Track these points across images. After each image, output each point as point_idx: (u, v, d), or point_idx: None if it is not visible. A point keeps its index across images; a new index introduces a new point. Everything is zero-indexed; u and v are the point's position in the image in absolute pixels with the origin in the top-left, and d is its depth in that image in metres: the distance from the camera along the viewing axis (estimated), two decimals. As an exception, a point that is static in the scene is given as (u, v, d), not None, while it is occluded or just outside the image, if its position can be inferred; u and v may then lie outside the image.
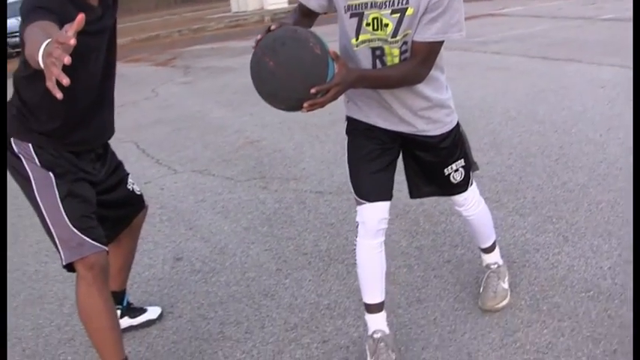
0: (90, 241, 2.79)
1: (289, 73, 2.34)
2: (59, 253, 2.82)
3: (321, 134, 6.57)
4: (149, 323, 3.62)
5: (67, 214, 2.77)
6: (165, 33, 19.41)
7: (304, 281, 3.85)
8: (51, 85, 1.93)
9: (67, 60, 1.89)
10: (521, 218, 4.23)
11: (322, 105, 2.41)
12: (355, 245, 2.94)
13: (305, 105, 2.37)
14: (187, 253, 4.42)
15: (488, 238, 3.34)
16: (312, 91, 2.34)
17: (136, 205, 3.31)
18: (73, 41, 1.92)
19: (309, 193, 5.11)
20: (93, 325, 2.89)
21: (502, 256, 3.64)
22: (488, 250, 3.38)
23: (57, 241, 2.80)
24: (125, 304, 3.57)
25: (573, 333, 3.05)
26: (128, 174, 3.27)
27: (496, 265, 3.40)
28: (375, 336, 2.98)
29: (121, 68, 11.22)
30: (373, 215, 2.84)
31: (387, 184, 2.87)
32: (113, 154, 3.19)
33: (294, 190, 5.23)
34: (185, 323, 3.61)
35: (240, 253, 4.31)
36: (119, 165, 3.22)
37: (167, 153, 6.74)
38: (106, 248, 2.85)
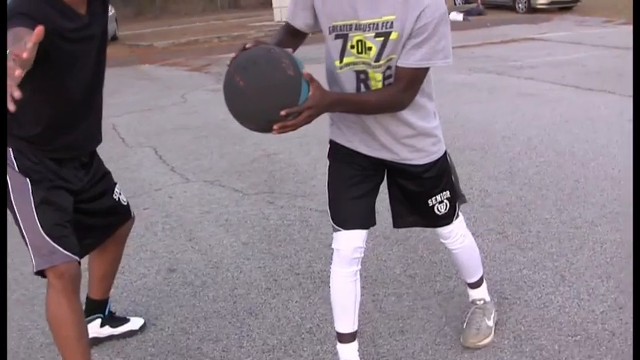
0: (61, 250, 2.76)
1: (259, 93, 2.28)
2: (31, 259, 2.79)
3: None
4: (130, 334, 3.59)
5: (40, 222, 2.75)
6: (204, 38, 19.50)
7: (291, 302, 3.78)
8: (8, 97, 1.89)
9: (18, 74, 1.86)
10: (521, 253, 4.12)
11: (294, 128, 2.35)
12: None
13: (275, 127, 2.31)
14: (182, 265, 4.38)
15: (474, 273, 3.25)
16: (282, 113, 2.27)
17: (121, 215, 3.28)
18: (26, 55, 1.89)
19: (314, 212, 5.05)
20: (60, 334, 2.86)
21: (494, 291, 3.57)
22: (474, 285, 3.29)
23: (29, 248, 2.79)
24: (107, 312, 3.54)
25: (553, 379, 2.94)
26: (115, 184, 3.24)
27: (482, 302, 3.31)
28: (345, 366, 2.91)
29: (157, 71, 11.35)
30: (348, 243, 2.77)
31: (364, 212, 2.80)
32: (100, 163, 3.16)
33: (299, 207, 5.17)
34: (166, 337, 3.56)
35: (233, 269, 4.26)
36: (105, 174, 3.19)
37: (183, 161, 6.73)
38: (77, 258, 2.82)
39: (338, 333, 2.93)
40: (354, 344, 2.94)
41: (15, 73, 1.85)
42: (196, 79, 12.10)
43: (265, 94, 2.27)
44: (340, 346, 2.94)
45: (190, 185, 5.99)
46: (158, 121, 8.44)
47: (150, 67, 13.24)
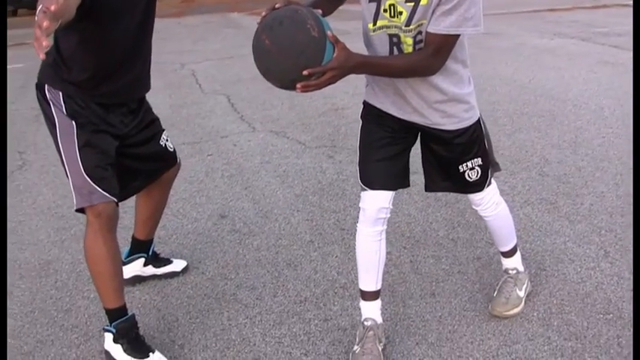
0: (100, 190, 2.88)
1: (283, 52, 2.32)
2: (73, 197, 2.92)
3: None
4: (172, 275, 3.73)
5: (82, 163, 2.88)
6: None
7: (331, 256, 3.84)
8: (36, 44, 1.99)
9: (46, 25, 1.95)
10: (569, 225, 4.06)
11: (318, 87, 2.39)
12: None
13: (298, 86, 2.35)
14: (233, 212, 4.48)
15: (507, 242, 3.23)
16: (305, 72, 2.31)
17: (167, 160, 3.38)
18: (54, 7, 1.98)
19: (371, 169, 5.06)
20: (95, 269, 3.00)
21: (533, 262, 3.56)
22: (507, 254, 3.27)
23: (72, 186, 2.93)
24: (151, 253, 3.67)
25: (574, 355, 2.93)
26: (163, 130, 3.33)
27: (515, 271, 3.29)
28: (366, 324, 2.96)
29: (244, 20, 11.44)
30: (373, 203, 2.80)
31: (391, 173, 2.81)
32: (149, 109, 3.26)
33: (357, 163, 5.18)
34: (205, 280, 3.68)
35: (281, 220, 4.34)
36: (154, 120, 3.29)
37: (253, 110, 6.82)
38: (115, 200, 2.94)
39: (361, 290, 2.98)
40: (377, 302, 2.97)
41: (43, 24, 1.94)
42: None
43: (288, 54, 2.31)
44: (363, 304, 2.99)
45: (256, 134, 6.08)
46: (236, 69, 8.55)
47: (238, 16, 13.34)
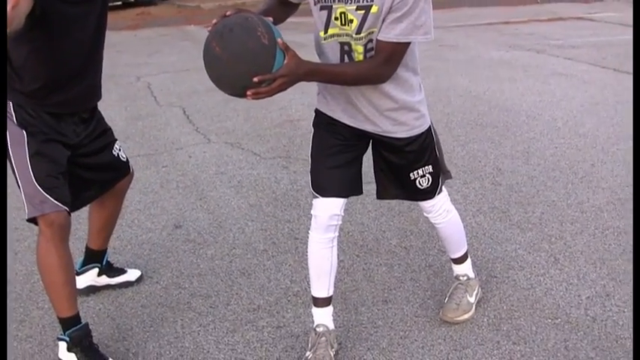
0: (52, 200, 2.88)
1: (233, 60, 2.35)
2: (24, 207, 2.91)
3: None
4: (126, 284, 3.72)
5: (33, 172, 2.88)
6: (252, 2, 19.35)
7: (284, 265, 3.87)
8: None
9: None
10: (520, 233, 4.14)
11: (268, 94, 2.42)
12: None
13: (248, 93, 2.38)
14: (188, 223, 4.48)
15: (457, 248, 3.29)
16: (255, 79, 2.34)
17: (120, 170, 3.38)
18: None
19: (326, 179, 5.10)
20: (48, 279, 3.00)
21: (484, 269, 3.61)
22: (458, 261, 3.33)
23: (23, 196, 2.91)
24: (105, 263, 3.65)
25: (523, 359, 2.98)
26: (115, 140, 3.34)
27: (465, 278, 3.35)
28: (318, 330, 2.99)
29: (201, 33, 11.37)
30: (325, 210, 2.83)
31: (343, 181, 2.85)
32: (101, 119, 3.25)
33: (312, 173, 5.22)
34: (159, 290, 3.68)
35: (235, 229, 4.35)
36: (106, 130, 3.29)
37: (209, 122, 6.82)
38: (67, 209, 2.93)
39: (313, 297, 3.00)
40: (329, 309, 3.00)
41: None
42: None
43: (238, 61, 2.34)
44: (315, 310, 3.01)
45: (211, 146, 6.08)
46: (192, 82, 8.53)
47: (195, 28, 13.27)
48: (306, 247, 3.71)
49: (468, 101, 7.21)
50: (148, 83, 8.69)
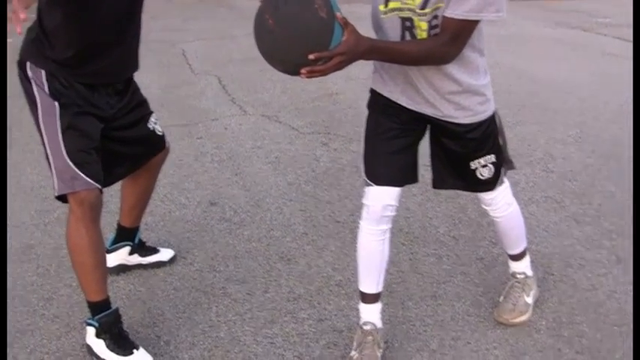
0: (83, 176, 2.68)
1: (287, 34, 2.12)
2: (53, 182, 2.71)
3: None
4: (158, 264, 3.53)
5: (65, 146, 2.67)
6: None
7: (325, 251, 3.64)
8: (14, 17, 1.80)
9: None
10: (577, 226, 3.87)
11: (323, 73, 2.19)
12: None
13: (302, 71, 2.14)
14: (224, 200, 4.27)
15: (516, 244, 3.04)
16: (311, 57, 2.10)
17: (155, 144, 3.16)
18: None
19: (368, 159, 4.85)
20: (77, 259, 2.81)
21: (540, 265, 3.37)
22: (516, 257, 3.08)
23: (53, 171, 2.72)
24: (137, 241, 3.46)
25: (587, 370, 2.74)
26: (151, 112, 3.11)
27: (523, 276, 3.10)
28: (365, 328, 2.77)
29: (236, 0, 11.10)
30: (378, 200, 2.60)
31: (399, 168, 2.62)
32: (136, 90, 3.03)
33: (353, 151, 4.98)
34: (193, 272, 3.48)
35: (273, 209, 4.13)
36: (142, 103, 3.07)
37: (245, 93, 6.59)
38: (99, 186, 2.73)
39: (361, 292, 2.78)
40: (377, 306, 2.78)
41: None
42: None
43: (293, 36, 2.11)
44: (362, 306, 2.79)
45: (247, 118, 5.86)
46: (227, 50, 8.31)
47: (231, -5, 13.04)
48: (349, 233, 3.53)
49: (514, 80, 6.91)
50: (183, 50, 8.47)
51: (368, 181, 2.62)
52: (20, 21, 1.78)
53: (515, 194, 4.04)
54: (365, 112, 2.70)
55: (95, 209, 2.76)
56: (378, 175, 2.59)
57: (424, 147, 2.73)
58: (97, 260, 2.81)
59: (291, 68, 2.18)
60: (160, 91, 6.52)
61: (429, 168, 2.79)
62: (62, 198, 2.75)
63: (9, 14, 1.85)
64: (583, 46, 8.51)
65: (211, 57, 8.10)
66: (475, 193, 2.88)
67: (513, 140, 5.12)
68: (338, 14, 2.14)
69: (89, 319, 2.86)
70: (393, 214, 2.64)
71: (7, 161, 5.00)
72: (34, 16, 2.67)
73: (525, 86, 6.66)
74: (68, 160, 2.67)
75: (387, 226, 2.64)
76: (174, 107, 6.17)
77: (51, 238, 3.82)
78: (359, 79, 6.49)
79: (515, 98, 6.27)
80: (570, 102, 6.19)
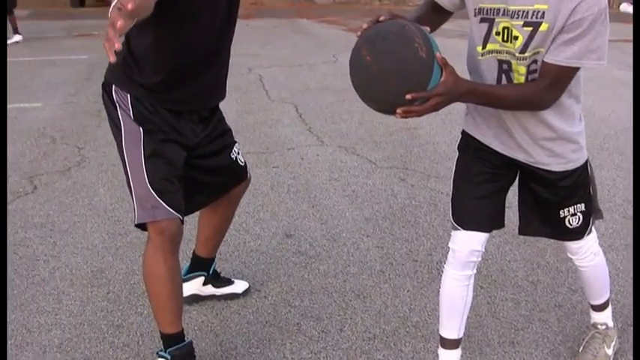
0: (165, 205, 2.67)
1: (385, 71, 2.09)
2: (134, 210, 2.72)
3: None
4: (232, 296, 3.51)
5: (147, 174, 2.67)
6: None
7: (402, 290, 3.60)
8: (107, 45, 1.79)
9: (120, 25, 1.75)
10: (661, 276, 3.74)
11: (419, 114, 2.16)
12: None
13: (398, 111, 2.12)
14: (299, 232, 4.26)
15: (600, 295, 2.96)
16: (408, 97, 2.07)
17: (237, 175, 3.16)
18: (131, 6, 1.78)
19: (445, 196, 4.80)
20: (152, 289, 2.81)
21: (620, 315, 3.27)
22: (599, 308, 3.00)
23: (134, 198, 2.72)
24: (211, 271, 3.46)
25: None
26: (235, 142, 3.12)
27: (604, 327, 3.01)
28: (444, 374, 2.70)
29: (313, 27, 11.28)
30: (465, 245, 2.55)
31: (488, 213, 2.57)
32: (221, 119, 3.04)
33: (431, 189, 4.94)
34: (267, 306, 3.46)
35: (350, 244, 4.10)
36: (226, 131, 3.07)
37: (322, 123, 6.61)
38: (180, 216, 2.72)
39: (441, 337, 2.74)
40: (457, 352, 2.73)
41: (117, 23, 1.73)
42: (351, 40, 11.66)
43: (391, 74, 2.09)
44: (442, 351, 2.75)
45: (324, 149, 5.86)
46: (304, 78, 8.35)
47: (307, 22, 13.17)
48: (427, 272, 3.48)
49: (593, 123, 6.76)
50: (260, 76, 8.55)
51: (455, 225, 2.58)
52: (114, 49, 1.76)
53: (596, 241, 3.97)
54: (443, 148, 2.68)
55: (175, 240, 2.76)
56: (466, 220, 2.55)
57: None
58: (174, 291, 2.81)
59: (387, 107, 2.16)
60: (237, 117, 6.57)
61: (508, 209, 2.73)
62: (141, 226, 2.75)
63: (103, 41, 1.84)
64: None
65: (288, 84, 8.15)
66: (560, 241, 2.81)
67: (594, 184, 5.00)
68: (437, 54, 2.12)
69: (161, 350, 2.85)
70: (479, 259, 2.60)
71: (81, 180, 5.07)
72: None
73: (604, 130, 6.52)
74: (150, 188, 2.67)
75: (472, 271, 2.60)
76: (249, 134, 6.22)
77: (123, 263, 3.85)
78: (438, 115, 6.37)
79: (593, 141, 6.13)
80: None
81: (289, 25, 13.08)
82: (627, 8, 18.42)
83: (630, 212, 4.61)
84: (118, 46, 1.76)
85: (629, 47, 11.43)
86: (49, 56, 10.06)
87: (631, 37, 12.59)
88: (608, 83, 8.63)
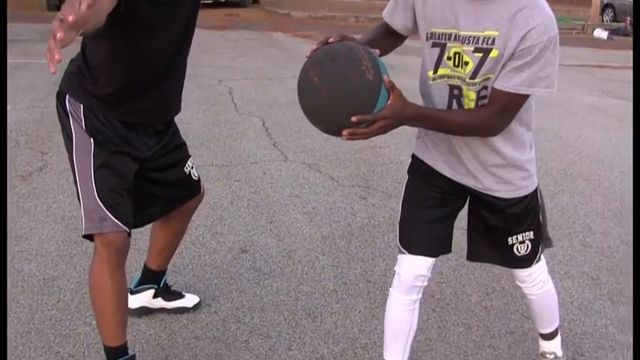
0: (112, 218, 2.65)
1: (332, 93, 2.08)
2: (82, 221, 2.69)
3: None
4: (182, 310, 3.48)
5: (96, 186, 2.65)
6: (341, 15, 19.30)
7: (354, 311, 3.57)
8: (48, 55, 1.76)
9: (60, 36, 1.73)
10: (612, 306, 3.76)
11: (365, 137, 2.15)
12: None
13: (344, 133, 2.10)
14: (255, 247, 4.23)
15: (548, 324, 2.96)
16: (354, 119, 2.06)
17: (190, 189, 3.14)
18: (72, 18, 1.75)
19: (404, 217, 4.79)
20: (98, 303, 2.78)
21: (571, 344, 3.27)
22: (547, 337, 3.00)
23: (82, 209, 2.70)
24: (162, 284, 3.42)
25: None
26: (189, 156, 3.09)
27: (552, 356, 3.02)
28: (386, 398, 2.68)
29: (287, 41, 11.29)
30: (410, 270, 2.54)
31: (435, 238, 2.56)
32: (176, 132, 3.02)
33: (391, 208, 4.93)
34: (216, 321, 3.43)
35: (305, 262, 4.08)
36: (180, 145, 3.05)
37: (287, 138, 6.59)
38: (127, 229, 2.70)
39: (385, 360, 2.71)
40: (400, 377, 2.70)
41: (57, 35, 1.71)
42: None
43: (338, 96, 2.07)
44: (385, 376, 2.72)
45: (287, 164, 5.84)
46: (274, 92, 8.35)
47: (281, 36, 13.18)
48: (380, 293, 3.46)
49: (558, 148, 6.82)
50: (230, 88, 8.53)
51: (402, 249, 2.56)
52: (54, 61, 1.74)
53: (551, 267, 3.97)
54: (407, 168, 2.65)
55: (121, 253, 2.73)
56: (412, 244, 2.53)
57: (461, 211, 2.67)
58: (119, 305, 2.78)
59: (334, 128, 2.15)
60: (203, 128, 6.54)
61: (465, 232, 2.72)
62: (89, 237, 2.72)
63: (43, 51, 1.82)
64: (629, 117, 8.38)
65: (257, 97, 8.14)
66: (509, 268, 2.80)
67: (553, 210, 5.04)
68: (385, 77, 2.11)
69: None
70: (425, 284, 2.58)
71: (42, 186, 5.02)
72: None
73: (570, 155, 6.57)
74: (98, 200, 2.64)
75: (417, 296, 2.58)
76: (214, 146, 6.19)
77: (76, 272, 3.81)
78: (404, 134, 6.41)
79: (558, 166, 6.18)
80: (613, 174, 6.08)
81: (264, 39, 13.08)
82: (601, 34, 18.67)
83: (589, 240, 4.62)
84: (58, 57, 1.74)
85: (602, 73, 11.60)
86: (22, 59, 9.99)
87: (604, 63, 12.81)
88: (577, 108, 8.71)
